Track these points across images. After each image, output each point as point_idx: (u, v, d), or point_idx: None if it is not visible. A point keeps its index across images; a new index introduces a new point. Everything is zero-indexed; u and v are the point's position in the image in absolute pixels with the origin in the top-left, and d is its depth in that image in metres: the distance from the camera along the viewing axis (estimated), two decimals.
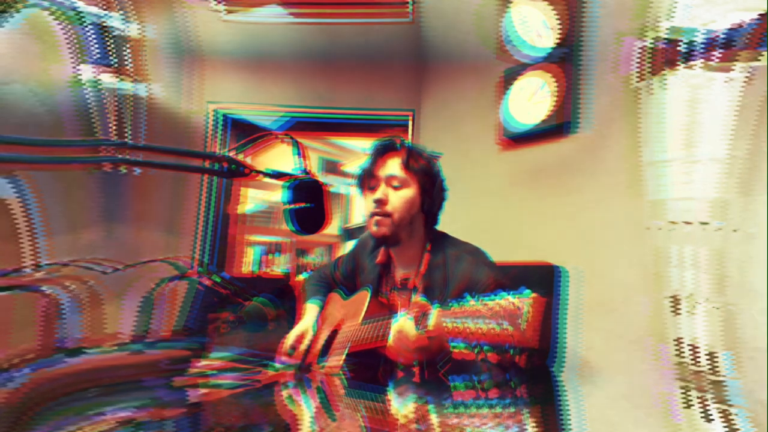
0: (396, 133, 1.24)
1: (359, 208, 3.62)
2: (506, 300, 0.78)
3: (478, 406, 0.87)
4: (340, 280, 1.41)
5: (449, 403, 0.91)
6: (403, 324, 0.95)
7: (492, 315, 0.79)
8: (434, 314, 0.88)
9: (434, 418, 0.87)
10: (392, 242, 1.16)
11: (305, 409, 0.98)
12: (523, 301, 0.77)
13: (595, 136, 1.46)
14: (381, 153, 1.17)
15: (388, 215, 1.12)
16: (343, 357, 1.11)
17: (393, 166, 1.15)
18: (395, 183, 1.14)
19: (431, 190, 1.15)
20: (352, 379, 1.09)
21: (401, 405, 0.96)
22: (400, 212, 1.12)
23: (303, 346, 1.26)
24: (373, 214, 1.14)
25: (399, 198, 1.13)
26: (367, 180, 1.18)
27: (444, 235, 1.20)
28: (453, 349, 0.85)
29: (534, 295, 0.77)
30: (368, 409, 0.98)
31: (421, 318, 0.91)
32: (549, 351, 1.29)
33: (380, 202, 1.13)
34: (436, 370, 0.97)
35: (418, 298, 1.12)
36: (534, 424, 0.87)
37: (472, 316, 0.81)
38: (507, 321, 0.77)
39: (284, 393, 1.09)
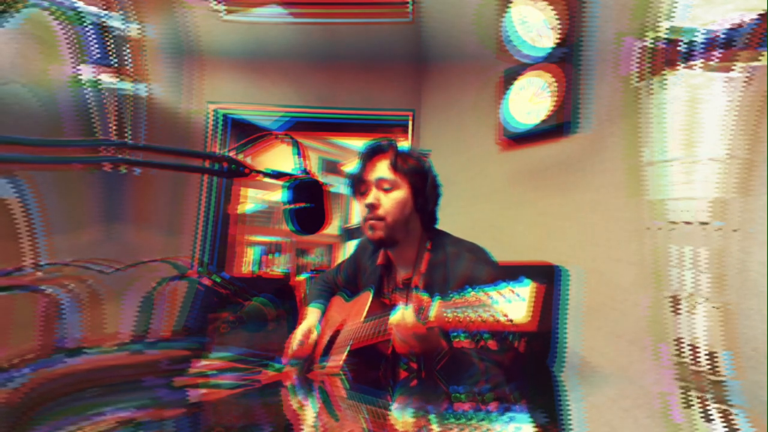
0: (387, 136, 1.23)
1: (359, 208, 3.61)
2: (506, 289, 0.78)
3: (479, 419, 0.86)
4: (342, 283, 1.40)
5: (450, 413, 0.90)
6: (402, 313, 0.94)
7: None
8: (435, 305, 0.87)
9: (435, 428, 0.86)
10: (389, 244, 1.15)
11: (310, 410, 0.98)
12: (522, 291, 0.76)
13: (595, 136, 1.46)
14: (369, 156, 1.16)
15: (381, 219, 1.11)
16: (345, 355, 1.11)
17: (382, 169, 1.13)
18: (385, 186, 1.12)
19: (423, 188, 1.14)
20: (354, 380, 1.09)
21: (402, 414, 0.95)
22: (393, 215, 1.11)
23: (311, 340, 1.27)
24: (366, 219, 1.13)
25: (391, 200, 1.12)
26: (358, 185, 1.17)
27: (444, 234, 1.20)
28: (453, 339, 0.84)
29: (533, 283, 0.77)
30: (370, 411, 0.98)
31: (422, 310, 0.90)
32: (550, 340, 1.29)
33: (372, 207, 1.11)
34: (434, 367, 0.97)
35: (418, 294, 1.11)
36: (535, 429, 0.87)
37: (472, 306, 0.80)
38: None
39: (291, 399, 1.08)
